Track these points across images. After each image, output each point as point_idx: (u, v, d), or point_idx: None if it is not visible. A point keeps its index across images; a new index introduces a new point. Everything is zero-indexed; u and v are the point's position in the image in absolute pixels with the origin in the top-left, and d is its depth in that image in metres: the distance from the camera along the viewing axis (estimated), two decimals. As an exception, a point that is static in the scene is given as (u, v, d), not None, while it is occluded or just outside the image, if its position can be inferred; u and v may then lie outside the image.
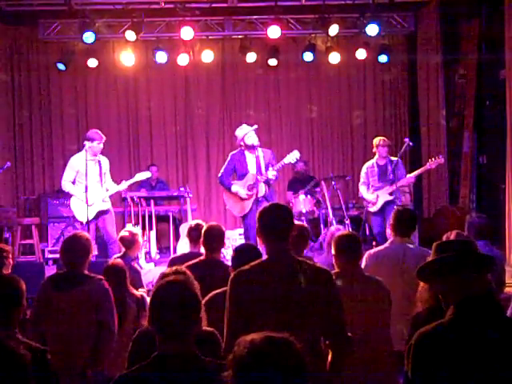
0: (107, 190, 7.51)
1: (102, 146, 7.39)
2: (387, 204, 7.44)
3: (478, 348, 2.09)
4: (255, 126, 7.35)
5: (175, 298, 2.24)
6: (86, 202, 7.09)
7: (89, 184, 7.22)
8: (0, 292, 2.90)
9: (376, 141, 7.73)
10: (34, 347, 2.72)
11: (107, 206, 7.46)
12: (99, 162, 7.48)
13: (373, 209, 7.64)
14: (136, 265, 5.28)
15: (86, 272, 3.93)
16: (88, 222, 7.15)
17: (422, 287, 3.03)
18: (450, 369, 2.10)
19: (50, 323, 3.81)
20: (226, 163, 7.45)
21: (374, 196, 7.57)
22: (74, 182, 7.42)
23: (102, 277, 3.96)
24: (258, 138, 7.34)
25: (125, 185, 7.59)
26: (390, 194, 7.49)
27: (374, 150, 7.70)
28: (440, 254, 2.32)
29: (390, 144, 7.93)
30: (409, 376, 2.20)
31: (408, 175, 7.66)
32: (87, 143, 7.29)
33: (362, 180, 7.83)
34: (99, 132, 7.42)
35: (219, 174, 7.48)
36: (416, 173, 7.73)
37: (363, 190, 7.76)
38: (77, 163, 7.40)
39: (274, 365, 1.66)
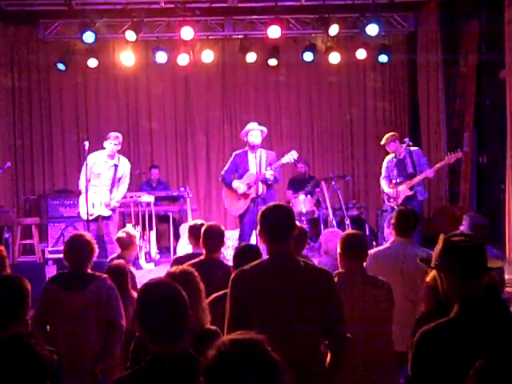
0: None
1: (113, 145, 7.30)
2: (407, 199, 7.42)
3: (480, 347, 2.08)
4: (263, 128, 7.36)
5: (159, 298, 2.22)
6: (86, 202, 7.07)
7: (98, 186, 7.26)
8: (7, 292, 2.91)
9: (383, 141, 7.76)
10: None
11: (109, 213, 7.39)
12: (116, 166, 7.41)
13: (393, 203, 7.64)
14: (132, 268, 5.24)
15: (90, 271, 3.94)
16: (88, 221, 7.15)
17: (424, 288, 3.02)
18: (452, 367, 2.09)
19: (60, 323, 3.79)
20: (228, 162, 7.48)
21: (394, 191, 7.58)
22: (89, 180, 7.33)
23: (105, 275, 3.99)
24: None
25: (116, 202, 7.47)
26: (410, 188, 7.47)
27: (387, 148, 7.73)
28: (449, 249, 2.27)
29: (397, 137, 7.79)
30: (409, 374, 2.19)
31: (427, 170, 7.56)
32: (105, 142, 7.37)
33: (383, 174, 7.86)
34: (118, 135, 7.41)
35: (222, 172, 7.51)
36: (436, 167, 7.63)
37: (384, 185, 7.80)
38: (91, 161, 7.33)
39: (241, 369, 1.59)
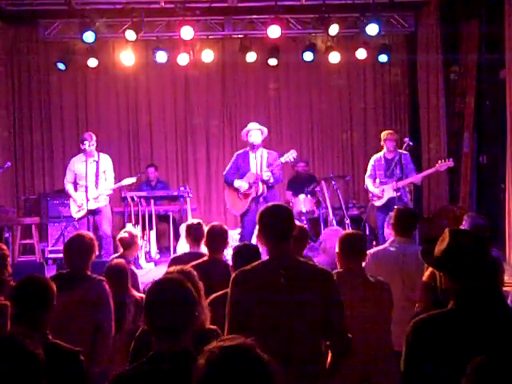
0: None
1: (91, 147, 7.67)
2: (392, 200, 7.41)
3: (475, 340, 2.07)
4: (262, 127, 7.42)
5: (168, 295, 2.23)
6: (87, 201, 7.45)
7: (83, 184, 7.63)
8: (32, 293, 2.89)
9: (383, 135, 7.71)
10: (66, 348, 2.72)
11: (98, 205, 7.71)
12: (97, 162, 7.75)
13: (377, 203, 7.63)
14: (133, 267, 5.25)
15: (89, 273, 3.90)
16: (79, 219, 7.65)
17: (421, 287, 3.02)
18: (445, 358, 2.07)
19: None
20: (230, 162, 7.59)
21: (380, 190, 7.56)
22: (75, 183, 7.81)
23: (103, 278, 3.93)
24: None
25: (109, 188, 7.83)
26: (396, 190, 7.47)
27: (382, 143, 7.70)
28: (454, 251, 2.22)
29: (397, 138, 7.84)
30: (402, 366, 2.17)
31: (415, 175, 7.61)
32: (81, 145, 7.77)
33: (368, 172, 7.81)
34: (91, 134, 7.81)
35: (224, 173, 7.60)
36: (424, 173, 7.71)
37: (369, 183, 7.75)
38: (73, 165, 7.87)
39: (231, 377, 1.58)
